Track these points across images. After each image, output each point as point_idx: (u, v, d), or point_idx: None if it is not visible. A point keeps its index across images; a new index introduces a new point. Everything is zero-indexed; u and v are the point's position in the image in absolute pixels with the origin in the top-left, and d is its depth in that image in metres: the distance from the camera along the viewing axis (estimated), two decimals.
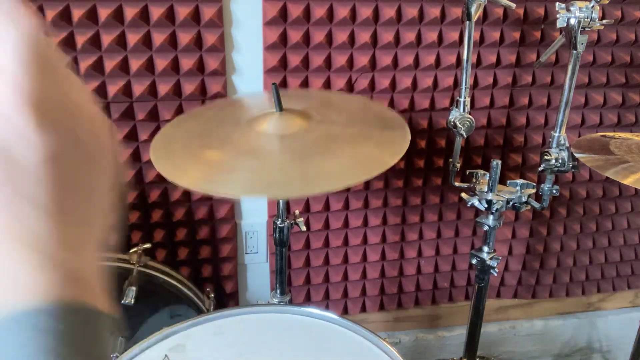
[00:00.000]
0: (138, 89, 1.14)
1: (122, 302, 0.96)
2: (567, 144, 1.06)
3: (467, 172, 1.11)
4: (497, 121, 1.36)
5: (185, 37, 1.11)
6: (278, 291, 1.06)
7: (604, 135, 1.12)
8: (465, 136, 1.08)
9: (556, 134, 1.06)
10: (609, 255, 1.61)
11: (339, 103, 1.03)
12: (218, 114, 0.98)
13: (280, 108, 0.86)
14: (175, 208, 1.26)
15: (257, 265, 1.40)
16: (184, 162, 0.79)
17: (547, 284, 1.60)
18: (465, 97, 1.07)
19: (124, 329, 0.95)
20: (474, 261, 1.13)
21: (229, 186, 0.74)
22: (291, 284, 1.41)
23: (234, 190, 0.76)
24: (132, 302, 0.97)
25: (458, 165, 1.15)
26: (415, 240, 1.45)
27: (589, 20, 0.95)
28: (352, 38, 1.20)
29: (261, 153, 0.80)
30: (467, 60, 1.06)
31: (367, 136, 0.85)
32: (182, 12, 1.09)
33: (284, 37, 1.16)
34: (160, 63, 1.13)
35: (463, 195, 1.09)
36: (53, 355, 0.23)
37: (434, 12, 1.20)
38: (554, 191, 1.09)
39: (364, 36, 1.19)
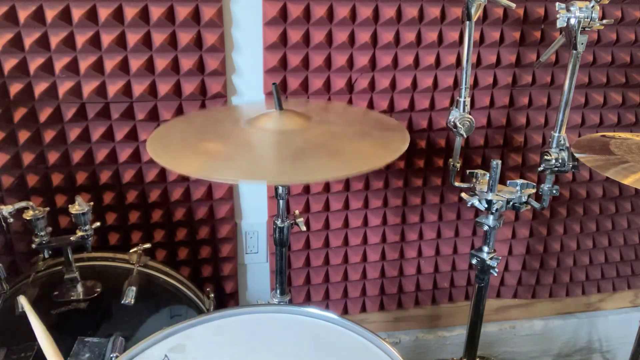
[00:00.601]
0: (138, 89, 1.14)
1: (122, 302, 0.97)
2: (567, 144, 1.06)
3: (467, 172, 1.11)
4: (497, 121, 1.36)
5: (185, 37, 1.11)
6: (278, 291, 1.06)
7: (604, 135, 1.12)
8: (465, 136, 1.08)
9: (556, 134, 1.06)
10: (609, 255, 1.61)
11: (338, 109, 1.04)
12: (216, 116, 0.98)
13: (280, 107, 0.86)
14: (175, 208, 1.26)
15: (257, 265, 1.40)
16: (183, 153, 0.81)
17: (547, 284, 1.60)
18: (465, 97, 1.07)
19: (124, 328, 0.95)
20: (474, 261, 1.13)
21: (226, 172, 0.76)
22: (291, 284, 1.41)
23: (231, 175, 0.78)
24: (132, 302, 0.97)
25: (458, 165, 1.15)
26: (415, 240, 1.45)
27: (589, 20, 0.95)
28: (352, 38, 1.20)
29: (259, 144, 0.81)
30: (467, 60, 1.06)
31: (366, 134, 0.86)
32: (182, 12, 1.09)
33: (284, 37, 1.16)
34: (160, 63, 1.13)
35: (463, 195, 1.09)
36: None
37: (434, 12, 1.20)
38: (554, 191, 1.09)
39: (364, 36, 1.19)
